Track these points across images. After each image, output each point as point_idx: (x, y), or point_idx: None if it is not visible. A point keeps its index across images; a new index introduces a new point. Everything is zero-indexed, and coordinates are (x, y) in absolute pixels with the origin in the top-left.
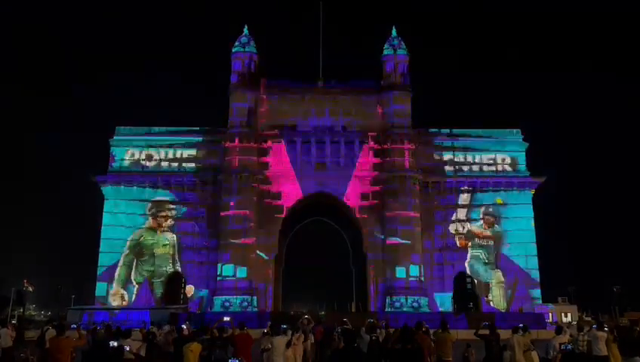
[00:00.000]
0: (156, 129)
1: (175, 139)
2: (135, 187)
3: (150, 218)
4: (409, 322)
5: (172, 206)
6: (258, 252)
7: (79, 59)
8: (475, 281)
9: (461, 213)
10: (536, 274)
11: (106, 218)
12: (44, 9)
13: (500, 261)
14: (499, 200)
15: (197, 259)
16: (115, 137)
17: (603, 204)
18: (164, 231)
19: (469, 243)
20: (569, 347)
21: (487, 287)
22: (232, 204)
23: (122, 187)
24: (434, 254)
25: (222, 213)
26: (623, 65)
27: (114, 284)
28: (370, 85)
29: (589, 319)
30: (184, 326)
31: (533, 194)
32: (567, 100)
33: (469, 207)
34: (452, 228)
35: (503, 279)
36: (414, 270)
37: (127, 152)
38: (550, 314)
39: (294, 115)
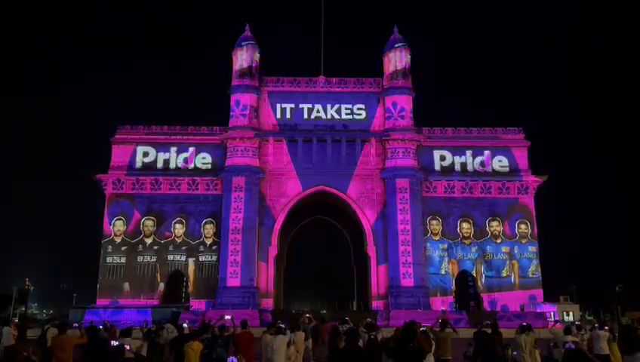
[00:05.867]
0: (157, 128)
1: (176, 137)
2: (136, 185)
3: (151, 217)
4: (409, 321)
5: (173, 205)
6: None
7: (79, 58)
8: (477, 280)
9: (463, 212)
10: (537, 273)
11: (107, 216)
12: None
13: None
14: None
15: (198, 258)
16: (116, 136)
17: (605, 202)
18: (165, 229)
19: (472, 242)
20: (572, 345)
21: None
22: (233, 202)
23: (123, 186)
24: (435, 253)
25: (223, 212)
26: (625, 64)
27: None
28: (372, 84)
29: (591, 318)
30: (185, 325)
31: (535, 193)
32: (569, 99)
33: (471, 206)
34: (453, 227)
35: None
36: (416, 268)
37: (129, 151)
38: (552, 314)
39: (296, 113)
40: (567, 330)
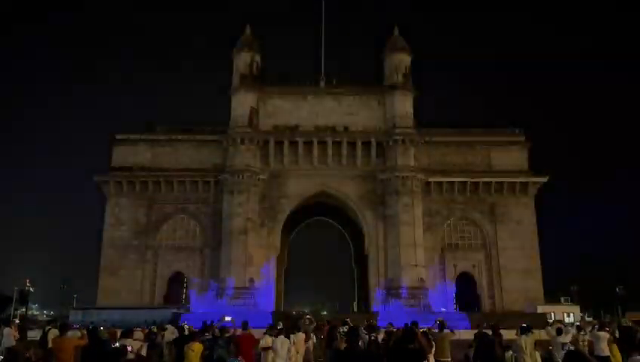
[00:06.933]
0: (157, 128)
1: (176, 138)
2: (137, 186)
3: (152, 217)
4: (410, 322)
5: (174, 206)
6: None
7: (79, 59)
8: (477, 281)
9: (463, 213)
10: (538, 274)
11: (107, 217)
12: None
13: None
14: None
15: (199, 259)
16: (116, 136)
17: (605, 203)
18: (166, 230)
19: (472, 243)
20: (571, 347)
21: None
22: (233, 204)
23: (124, 186)
24: (436, 254)
25: (224, 213)
26: (626, 64)
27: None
28: (372, 85)
29: (591, 320)
30: (185, 326)
31: (536, 194)
32: (570, 100)
33: (471, 207)
34: (453, 227)
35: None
36: (416, 270)
37: (129, 152)
38: (553, 314)
39: (296, 114)
40: (559, 331)
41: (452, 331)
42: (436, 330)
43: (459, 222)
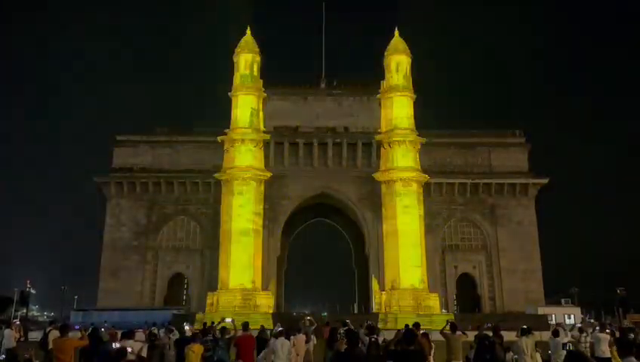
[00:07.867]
0: (158, 129)
1: (177, 139)
2: (137, 187)
3: (152, 218)
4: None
5: (174, 207)
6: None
7: (80, 58)
8: (478, 283)
9: (463, 214)
10: (539, 276)
11: (108, 218)
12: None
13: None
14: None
15: (199, 260)
16: (117, 138)
17: (605, 205)
18: (166, 231)
19: (473, 244)
20: (571, 347)
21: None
22: (234, 204)
23: (124, 187)
24: (436, 255)
25: (224, 214)
26: (626, 66)
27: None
28: (373, 86)
29: (592, 321)
30: (187, 327)
31: (536, 196)
32: (570, 102)
33: (472, 208)
34: (454, 229)
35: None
36: (416, 271)
37: (129, 153)
38: (553, 316)
39: (297, 116)
40: (556, 333)
41: (464, 333)
42: (449, 332)
43: (459, 223)
